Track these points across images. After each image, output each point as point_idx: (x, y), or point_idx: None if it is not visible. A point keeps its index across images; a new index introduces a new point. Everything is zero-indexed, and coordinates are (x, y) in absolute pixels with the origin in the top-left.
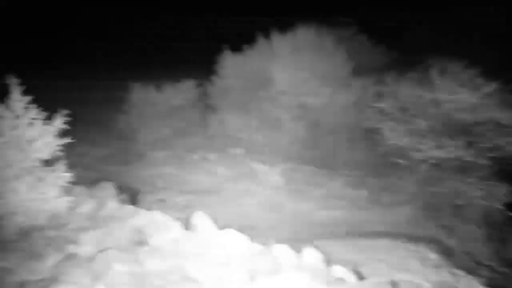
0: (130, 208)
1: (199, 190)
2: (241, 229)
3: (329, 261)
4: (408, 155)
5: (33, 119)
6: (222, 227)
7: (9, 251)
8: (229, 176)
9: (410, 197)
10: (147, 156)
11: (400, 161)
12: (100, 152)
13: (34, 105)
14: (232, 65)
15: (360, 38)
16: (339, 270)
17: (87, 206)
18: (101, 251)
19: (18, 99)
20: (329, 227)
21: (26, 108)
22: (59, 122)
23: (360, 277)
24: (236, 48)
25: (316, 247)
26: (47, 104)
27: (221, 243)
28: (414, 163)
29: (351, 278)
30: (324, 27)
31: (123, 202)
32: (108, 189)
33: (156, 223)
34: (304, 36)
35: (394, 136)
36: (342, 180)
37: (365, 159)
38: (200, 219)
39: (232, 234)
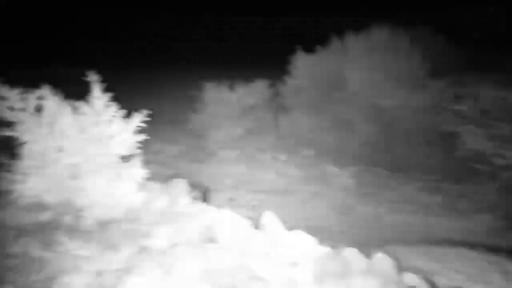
0: (201, 205)
1: (268, 190)
2: (309, 231)
3: (400, 268)
4: (489, 161)
5: (113, 116)
6: (290, 228)
7: (88, 241)
8: (299, 177)
9: (491, 205)
10: (218, 154)
11: (480, 167)
12: (173, 149)
13: (114, 103)
14: (305, 66)
15: (437, 38)
16: (411, 278)
17: (160, 202)
18: (172, 246)
19: (99, 96)
20: (400, 233)
21: (106, 105)
22: (137, 120)
23: (434, 287)
24: (310, 48)
25: (387, 252)
26: (125, 103)
27: (289, 244)
28: (496, 169)
29: (424, 287)
30: (399, 26)
31: (194, 199)
32: (180, 186)
33: (225, 221)
34: (378, 36)
35: (474, 140)
36: (416, 184)
37: (441, 163)
38: (269, 219)
39: (300, 235)
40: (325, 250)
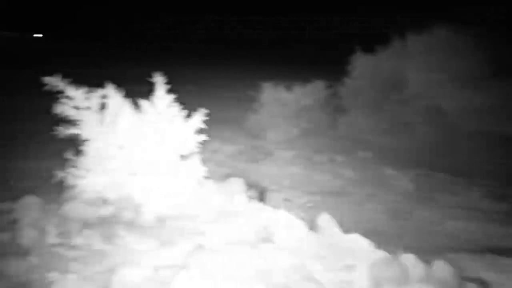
0: (257, 205)
1: (324, 192)
2: (366, 234)
3: (461, 278)
4: None
5: (174, 116)
6: (346, 230)
7: (147, 236)
8: (356, 179)
9: None
10: (275, 155)
11: None
12: (230, 149)
13: (176, 103)
14: (364, 66)
15: (500, 36)
16: None
17: (217, 200)
18: (227, 244)
19: (162, 96)
20: (461, 240)
21: (168, 105)
22: (197, 119)
23: None
24: (369, 48)
25: (447, 260)
26: (185, 102)
27: (345, 247)
28: None
29: None
30: (462, 25)
31: (250, 198)
32: (237, 185)
33: (281, 221)
34: (440, 35)
35: None
36: (479, 190)
37: (506, 168)
38: (325, 221)
39: (356, 239)
40: (382, 255)
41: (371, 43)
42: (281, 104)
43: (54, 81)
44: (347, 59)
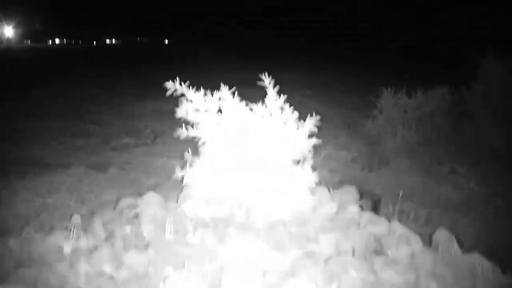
0: (370, 215)
1: (444, 205)
2: (490, 255)
3: None
4: None
5: (287, 119)
6: (467, 249)
7: (258, 239)
8: (480, 192)
9: None
10: (392, 163)
11: None
12: (344, 155)
13: (289, 106)
14: (494, 70)
15: None
16: None
17: (329, 208)
18: (338, 253)
19: (274, 99)
20: None
21: (281, 108)
22: (310, 124)
23: None
24: (501, 51)
25: None
26: (300, 107)
27: (465, 268)
28: None
29: None
30: None
31: (363, 208)
32: (350, 193)
33: (394, 234)
34: None
35: None
36: None
37: None
38: (443, 236)
39: (478, 259)
40: (508, 281)
41: (503, 45)
42: (401, 110)
43: (175, 85)
44: (476, 62)
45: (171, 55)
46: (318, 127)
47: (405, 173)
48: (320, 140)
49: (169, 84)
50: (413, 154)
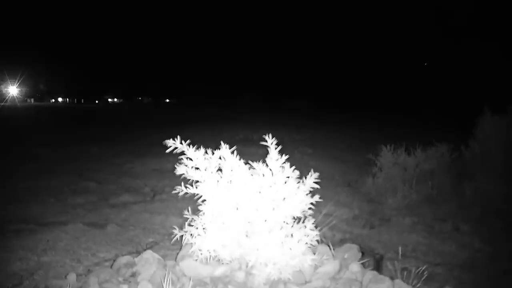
0: (372, 273)
1: (448, 263)
2: None
3: None
4: None
5: (288, 177)
6: None
7: None
8: (486, 251)
9: None
10: (393, 220)
11: None
12: (345, 213)
13: (289, 165)
14: (493, 127)
15: None
16: None
17: (330, 266)
18: None
19: (275, 158)
20: None
21: (281, 167)
22: (310, 181)
23: None
24: (498, 109)
25: None
26: (300, 165)
27: None
28: None
29: None
30: None
31: (366, 266)
32: (351, 251)
33: None
34: None
35: None
36: None
37: None
38: None
39: None
40: None
41: (501, 102)
42: (401, 168)
43: (175, 143)
44: (473, 119)
45: (172, 114)
46: (319, 184)
47: (407, 231)
48: (321, 198)
49: (169, 142)
50: (414, 212)
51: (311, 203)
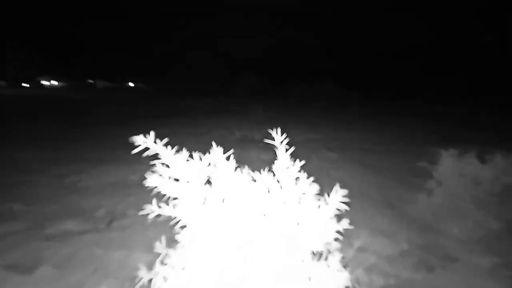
0: None
1: None
2: None
3: None
4: None
5: (303, 194)
6: None
7: None
8: None
9: None
10: (460, 261)
11: None
12: (389, 247)
13: (303, 174)
14: None
15: None
16: None
17: None
18: None
19: (285, 165)
20: None
21: (296, 179)
22: (335, 200)
23: None
24: None
25: None
26: (324, 176)
27: None
28: None
29: None
30: None
31: None
32: None
33: None
34: None
35: None
36: None
37: None
38: None
39: None
40: None
41: None
42: (470, 181)
43: (146, 142)
44: None
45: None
46: (348, 205)
47: (484, 278)
48: (352, 224)
49: (138, 139)
50: (494, 248)
51: (337, 232)
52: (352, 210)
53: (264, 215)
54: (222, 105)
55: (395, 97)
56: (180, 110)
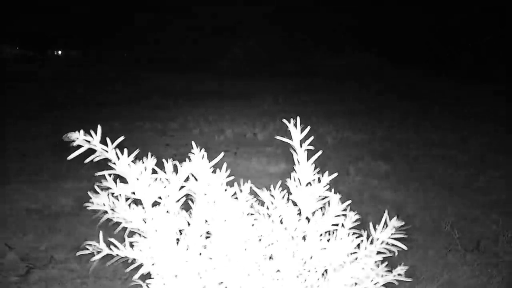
0: None
1: None
2: None
3: None
4: None
5: (335, 225)
6: None
7: None
8: None
9: None
10: None
11: None
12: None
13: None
14: None
15: None
16: None
17: None
18: None
19: (307, 178)
20: None
21: (324, 202)
22: (386, 236)
23: None
24: None
25: None
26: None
27: None
28: None
29: None
30: None
31: None
32: None
33: None
34: None
35: None
36: None
37: None
38: None
39: None
40: None
41: None
42: None
43: (88, 140)
44: None
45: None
46: (406, 242)
47: None
48: (412, 275)
49: (76, 137)
50: None
51: (388, 285)
52: (413, 252)
53: (271, 258)
54: (205, 83)
55: (468, 78)
56: (136, 92)
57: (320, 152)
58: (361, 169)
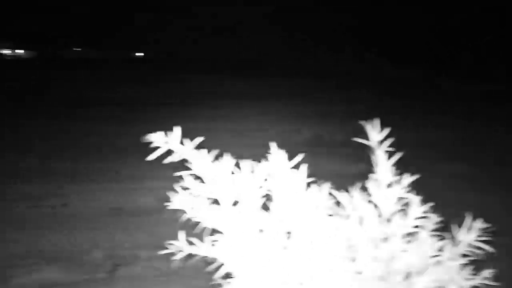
0: None
1: None
2: None
3: None
4: None
5: (416, 227)
6: None
7: None
8: None
9: None
10: None
11: None
12: None
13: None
14: None
15: None
16: None
17: None
18: None
19: (388, 179)
20: None
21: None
22: (469, 237)
23: None
24: None
25: None
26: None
27: None
28: None
29: None
30: None
31: None
32: None
33: None
34: None
35: None
36: None
37: None
38: None
39: None
40: None
41: None
42: None
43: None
44: None
45: None
46: (493, 246)
47: None
48: (498, 278)
49: (153, 137)
50: None
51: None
52: (502, 256)
53: (353, 260)
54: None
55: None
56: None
57: (399, 154)
58: (438, 170)
